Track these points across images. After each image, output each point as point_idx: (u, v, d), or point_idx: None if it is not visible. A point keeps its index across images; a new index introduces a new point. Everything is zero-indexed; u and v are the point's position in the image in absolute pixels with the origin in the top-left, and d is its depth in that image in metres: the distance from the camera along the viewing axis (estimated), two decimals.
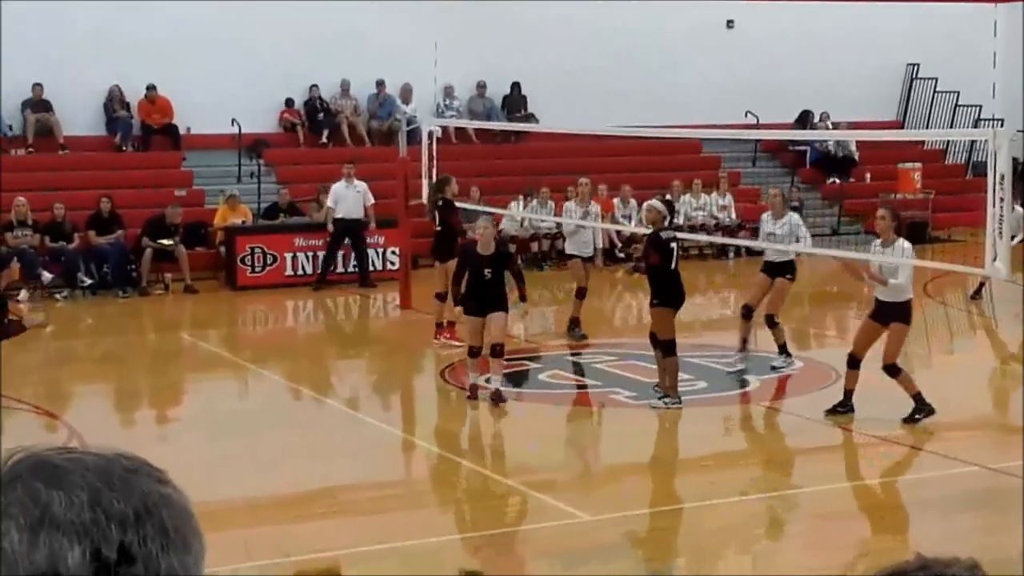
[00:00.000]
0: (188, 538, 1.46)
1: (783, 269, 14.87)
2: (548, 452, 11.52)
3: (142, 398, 15.01)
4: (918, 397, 12.30)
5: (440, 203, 16.69)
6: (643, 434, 12.54)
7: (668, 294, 13.04)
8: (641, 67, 27.70)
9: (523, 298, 13.69)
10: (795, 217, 15.05)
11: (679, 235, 14.14)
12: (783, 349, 14.85)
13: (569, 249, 17.44)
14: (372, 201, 22.17)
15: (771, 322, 14.70)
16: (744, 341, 14.73)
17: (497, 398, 12.93)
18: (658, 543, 9.17)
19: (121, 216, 21.76)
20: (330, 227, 21.92)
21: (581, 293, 16.66)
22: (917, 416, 12.19)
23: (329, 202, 22.13)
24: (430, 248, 17.47)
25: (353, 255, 22.36)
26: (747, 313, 14.88)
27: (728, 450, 11.93)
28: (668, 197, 14.84)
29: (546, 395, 13.98)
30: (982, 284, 18.76)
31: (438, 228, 16.82)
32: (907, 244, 12.20)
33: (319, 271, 21.95)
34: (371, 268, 22.49)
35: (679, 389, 12.93)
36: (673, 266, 13.01)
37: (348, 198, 21.99)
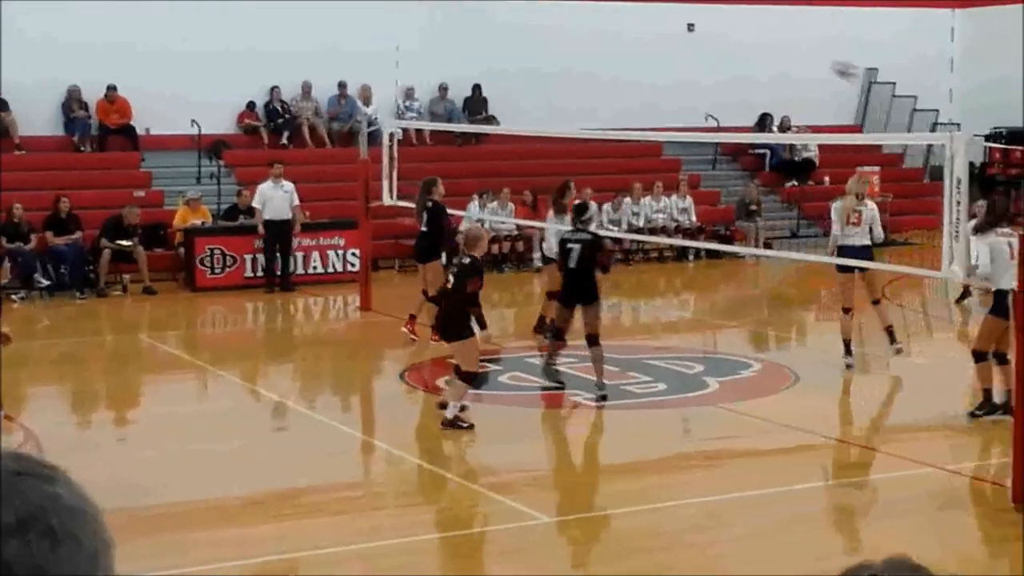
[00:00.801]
0: (80, 536, 1.43)
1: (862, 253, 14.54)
2: (508, 454, 11.53)
3: (99, 400, 14.92)
4: (987, 392, 12.37)
5: (429, 205, 16.65)
6: (603, 435, 12.58)
7: (564, 292, 13.83)
8: (603, 70, 27.76)
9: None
10: (872, 204, 15.01)
11: (638, 237, 14.21)
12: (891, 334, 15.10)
13: (548, 253, 17.19)
14: (298, 202, 21.93)
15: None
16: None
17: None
18: (619, 544, 9.19)
19: (79, 217, 21.62)
20: (260, 229, 21.74)
21: (553, 295, 16.43)
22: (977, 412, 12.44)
23: (255, 203, 21.90)
24: (413, 249, 17.64)
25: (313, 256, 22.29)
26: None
27: (687, 452, 11.97)
28: (582, 200, 14.89)
29: (506, 397, 13.99)
30: (967, 289, 18.83)
31: (423, 229, 16.77)
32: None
33: (264, 275, 21.80)
34: (331, 270, 22.45)
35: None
36: (572, 265, 13.47)
37: (275, 199, 21.75)
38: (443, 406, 12.37)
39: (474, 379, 12.22)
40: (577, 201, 14.83)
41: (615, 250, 16.05)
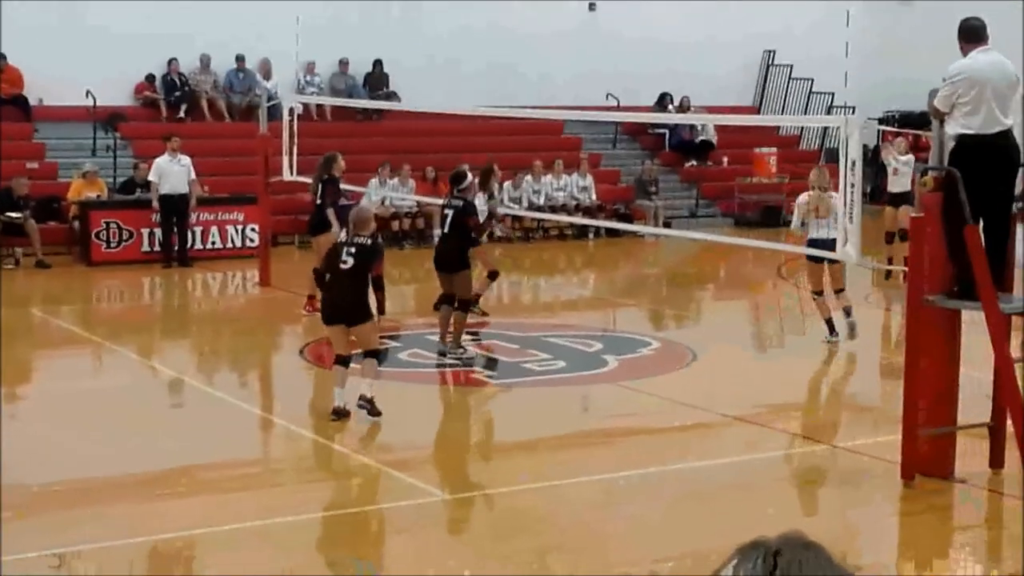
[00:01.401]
0: None
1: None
2: (406, 431, 11.53)
3: None
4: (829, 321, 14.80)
5: (325, 179, 16.57)
6: (502, 413, 12.63)
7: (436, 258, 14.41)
8: (504, 48, 27.77)
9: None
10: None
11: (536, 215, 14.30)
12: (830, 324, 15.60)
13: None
14: (195, 176, 21.69)
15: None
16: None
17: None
18: (514, 521, 9.24)
19: None
20: (155, 204, 21.46)
21: (494, 275, 16.38)
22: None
23: (151, 176, 21.62)
24: (308, 224, 17.49)
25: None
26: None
27: (585, 429, 12.06)
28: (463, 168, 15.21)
29: (405, 374, 13.98)
30: (891, 262, 19.48)
31: (317, 203, 16.73)
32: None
33: (161, 250, 21.57)
34: (230, 245, 22.27)
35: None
36: (444, 231, 14.35)
37: (172, 173, 21.48)
38: (339, 413, 11.53)
39: (383, 356, 11.98)
40: (457, 171, 15.00)
41: (491, 222, 16.13)
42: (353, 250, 11.49)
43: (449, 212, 14.25)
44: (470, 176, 15.07)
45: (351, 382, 11.64)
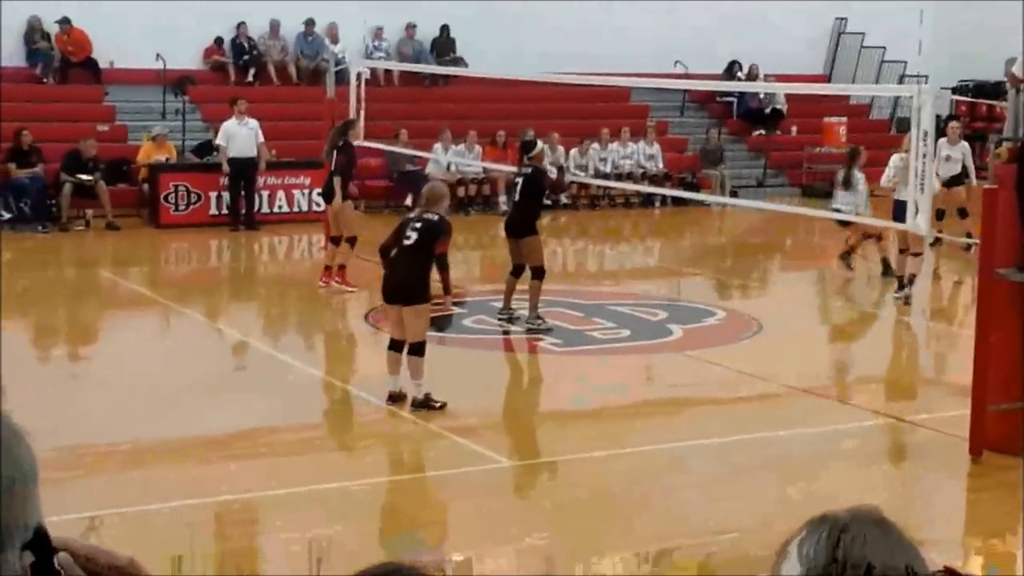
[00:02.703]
0: None
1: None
2: (470, 397, 11.53)
3: (60, 335, 14.83)
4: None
5: (339, 145, 16.17)
6: (566, 381, 12.59)
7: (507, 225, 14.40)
8: (572, 14, 27.60)
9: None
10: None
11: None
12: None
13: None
14: (262, 139, 21.76)
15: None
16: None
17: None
18: (579, 488, 9.22)
19: (41, 150, 21.39)
20: (225, 167, 21.55)
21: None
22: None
23: (219, 140, 21.70)
24: (323, 189, 16.96)
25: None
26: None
27: (650, 398, 12.01)
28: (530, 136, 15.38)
29: (470, 340, 13.98)
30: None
31: (332, 170, 16.35)
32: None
33: (229, 213, 21.69)
34: (297, 209, 22.36)
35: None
36: (516, 199, 14.29)
37: (239, 136, 21.56)
38: (395, 398, 11.04)
39: (423, 349, 10.87)
40: (527, 139, 15.06)
41: (562, 181, 16.09)
42: (419, 225, 10.79)
43: (519, 180, 14.24)
44: (540, 143, 15.09)
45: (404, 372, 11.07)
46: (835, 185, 17.40)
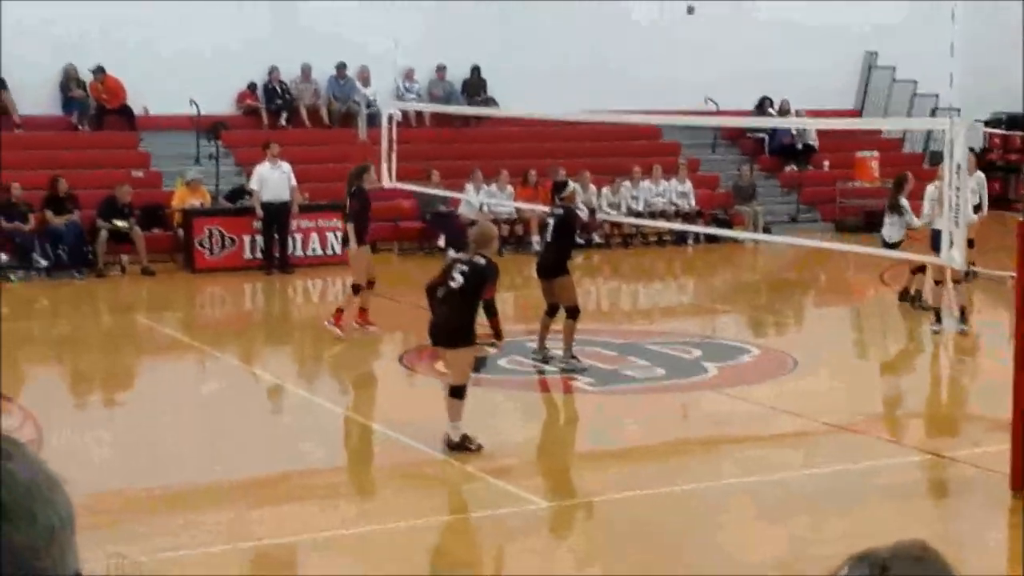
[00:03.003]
0: (35, 511, 1.42)
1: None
2: (505, 438, 11.50)
3: (97, 381, 14.90)
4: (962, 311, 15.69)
5: (353, 191, 16.14)
6: (601, 420, 12.56)
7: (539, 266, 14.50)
8: (602, 52, 27.67)
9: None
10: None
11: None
12: (962, 313, 16.10)
13: None
14: (295, 183, 21.88)
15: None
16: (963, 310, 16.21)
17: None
18: (616, 529, 9.18)
19: (77, 197, 21.58)
20: (259, 211, 21.69)
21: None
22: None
23: (253, 184, 21.84)
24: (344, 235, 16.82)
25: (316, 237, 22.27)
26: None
27: (684, 437, 11.95)
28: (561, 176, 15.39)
29: (505, 380, 13.97)
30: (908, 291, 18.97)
31: (345, 216, 16.36)
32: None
33: (263, 257, 21.80)
34: (330, 252, 22.44)
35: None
36: (548, 239, 14.40)
37: (272, 180, 21.71)
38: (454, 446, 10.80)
39: (463, 392, 10.79)
40: (558, 179, 15.10)
41: (594, 221, 15.94)
42: (466, 268, 10.65)
43: (551, 220, 14.31)
44: (571, 184, 15.12)
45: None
46: (884, 212, 17.37)
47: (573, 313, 13.98)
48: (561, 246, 14.18)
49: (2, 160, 21.40)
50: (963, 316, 15.90)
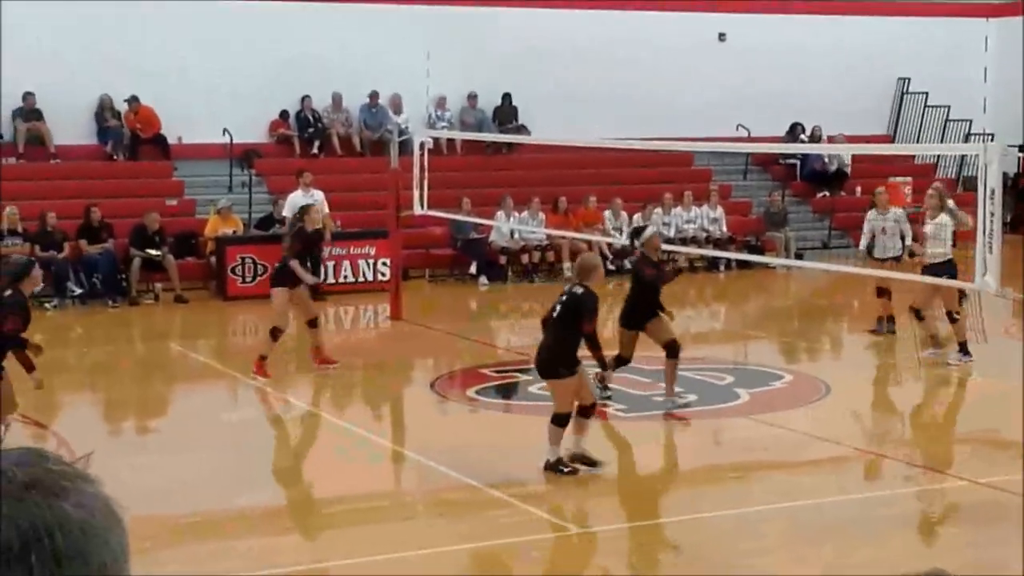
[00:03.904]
0: (87, 552, 1.40)
1: (943, 271, 15.09)
2: (538, 464, 11.48)
3: (131, 408, 14.97)
4: (962, 345, 15.25)
5: (293, 231, 15.90)
6: (634, 447, 12.53)
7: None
8: (633, 79, 27.73)
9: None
10: (945, 217, 15.75)
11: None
12: (963, 347, 15.67)
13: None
14: (328, 210, 21.93)
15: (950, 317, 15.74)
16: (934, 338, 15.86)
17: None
18: (649, 556, 9.15)
19: (111, 225, 21.74)
20: None
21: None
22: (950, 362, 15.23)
23: (285, 212, 21.92)
24: (273, 275, 16.26)
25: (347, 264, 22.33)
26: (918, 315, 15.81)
27: (717, 463, 11.91)
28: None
29: (536, 407, 13.95)
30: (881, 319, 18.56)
31: (284, 256, 15.94)
32: (947, 217, 15.39)
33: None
34: (362, 279, 22.49)
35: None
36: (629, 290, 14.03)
37: None
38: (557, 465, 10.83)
39: (565, 420, 10.78)
40: (635, 225, 14.87)
41: (664, 272, 14.85)
42: (564, 298, 10.67)
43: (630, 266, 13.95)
44: (650, 229, 14.58)
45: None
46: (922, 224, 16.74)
47: (673, 352, 13.53)
48: (640, 297, 13.59)
49: (39, 190, 21.56)
50: (963, 348, 15.67)
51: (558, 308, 10.65)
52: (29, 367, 10.59)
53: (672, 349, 13.50)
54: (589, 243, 23.90)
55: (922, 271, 15.46)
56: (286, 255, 15.62)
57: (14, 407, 10.86)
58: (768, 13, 29.28)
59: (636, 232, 14.54)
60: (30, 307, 10.68)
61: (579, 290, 10.63)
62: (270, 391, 15.29)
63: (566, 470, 10.77)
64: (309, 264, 15.91)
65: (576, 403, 10.82)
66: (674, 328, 13.70)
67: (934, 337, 15.91)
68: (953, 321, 15.65)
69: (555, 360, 10.64)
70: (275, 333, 15.19)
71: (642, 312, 13.47)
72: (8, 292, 10.24)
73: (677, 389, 13.61)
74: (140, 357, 18.24)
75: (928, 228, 15.59)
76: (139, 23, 24.26)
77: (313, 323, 15.75)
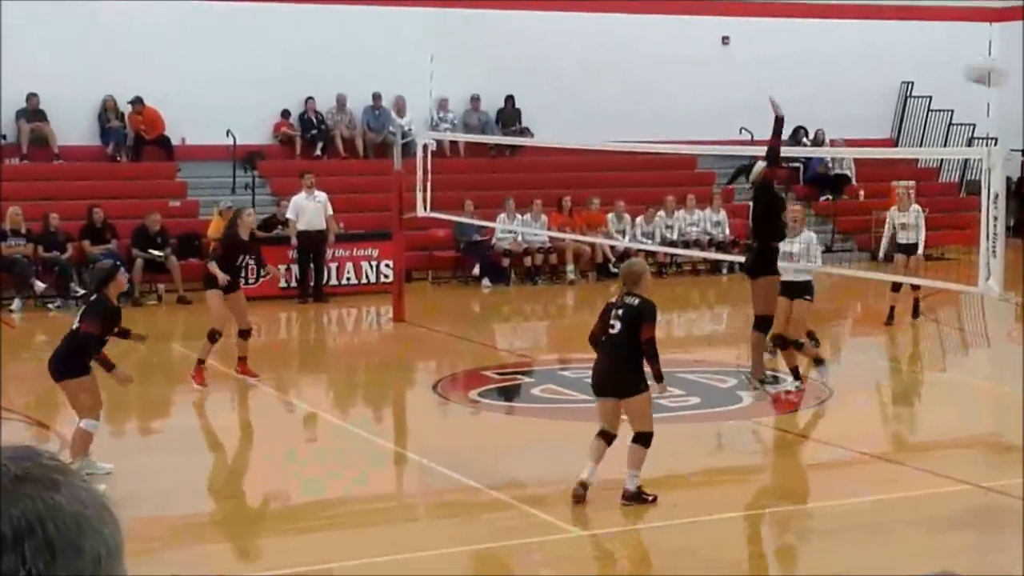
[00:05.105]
0: (81, 544, 1.41)
1: (802, 290, 14.28)
2: (541, 467, 11.49)
3: (133, 409, 14.96)
4: (795, 371, 14.13)
5: (225, 234, 15.76)
6: None
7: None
8: (636, 82, 27.73)
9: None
10: (811, 236, 14.73)
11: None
12: (795, 373, 14.41)
13: None
14: (331, 212, 21.99)
15: (784, 344, 14.27)
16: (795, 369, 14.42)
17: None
18: (651, 559, 9.15)
19: (114, 226, 21.75)
20: (294, 240, 21.80)
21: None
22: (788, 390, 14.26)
23: (289, 214, 21.96)
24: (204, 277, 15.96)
25: (351, 266, 22.35)
26: (782, 344, 14.35)
27: (719, 467, 11.90)
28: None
29: (539, 409, 13.96)
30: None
31: (208, 258, 15.75)
32: (812, 234, 14.72)
33: (298, 286, 21.89)
34: (365, 281, 22.50)
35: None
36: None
37: (308, 209, 21.84)
38: (583, 487, 10.24)
39: (650, 440, 10.17)
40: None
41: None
42: (621, 311, 10.03)
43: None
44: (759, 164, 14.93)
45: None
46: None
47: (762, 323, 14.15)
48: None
49: (42, 191, 21.56)
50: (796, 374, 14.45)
51: (617, 323, 10.00)
52: (108, 367, 11.07)
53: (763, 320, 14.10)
54: (592, 245, 23.96)
55: (781, 291, 14.23)
56: (208, 257, 15.40)
57: (99, 405, 11.14)
58: (771, 17, 29.26)
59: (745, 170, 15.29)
60: (118, 309, 11.36)
61: (635, 300, 10.08)
62: (272, 392, 15.29)
63: (650, 498, 10.15)
64: (249, 267, 15.74)
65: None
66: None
67: (816, 359, 14.68)
68: (798, 348, 14.33)
69: (632, 376, 10.08)
70: (212, 335, 14.86)
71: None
72: (93, 297, 11.07)
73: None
74: (143, 358, 18.21)
75: (795, 248, 14.21)
76: (143, 24, 24.26)
77: (244, 334, 15.25)
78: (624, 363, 10.04)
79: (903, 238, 18.71)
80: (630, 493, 10.08)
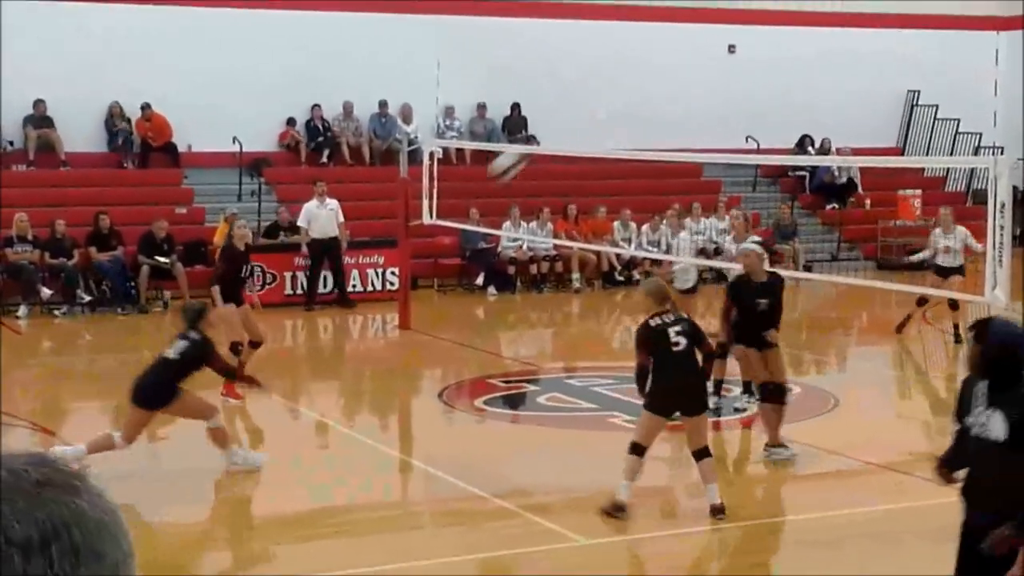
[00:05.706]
0: (102, 550, 1.42)
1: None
2: (546, 475, 11.49)
3: None
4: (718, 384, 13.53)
5: (224, 248, 15.73)
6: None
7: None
8: (642, 90, 27.75)
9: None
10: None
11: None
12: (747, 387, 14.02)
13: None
14: (343, 219, 22.04)
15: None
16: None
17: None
18: (655, 569, 9.14)
19: (120, 232, 21.77)
20: (305, 248, 21.84)
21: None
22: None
23: (301, 222, 22.02)
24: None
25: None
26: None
27: (722, 475, 11.88)
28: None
29: (544, 418, 13.95)
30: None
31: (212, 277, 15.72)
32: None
33: (306, 293, 21.92)
34: (371, 288, 22.50)
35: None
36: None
37: (320, 217, 21.90)
38: (619, 508, 10.09)
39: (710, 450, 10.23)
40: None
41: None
42: (679, 328, 9.99)
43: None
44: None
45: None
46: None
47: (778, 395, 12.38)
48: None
49: (48, 197, 21.59)
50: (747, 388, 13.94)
51: (682, 340, 9.92)
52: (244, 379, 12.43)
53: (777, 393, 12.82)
54: (598, 254, 23.96)
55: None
56: (212, 278, 15.36)
57: (210, 406, 11.85)
58: (778, 25, 29.27)
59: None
60: (212, 345, 11.99)
61: (683, 315, 10.36)
62: (279, 400, 15.29)
63: (722, 515, 9.99)
64: (254, 276, 15.78)
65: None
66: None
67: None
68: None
69: (703, 392, 10.27)
70: (234, 348, 14.81)
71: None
72: (197, 337, 11.75)
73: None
74: (144, 360, 18.21)
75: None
76: (149, 31, 24.31)
77: (254, 345, 15.17)
78: (701, 379, 10.21)
79: (944, 261, 18.27)
80: (717, 506, 9.98)
